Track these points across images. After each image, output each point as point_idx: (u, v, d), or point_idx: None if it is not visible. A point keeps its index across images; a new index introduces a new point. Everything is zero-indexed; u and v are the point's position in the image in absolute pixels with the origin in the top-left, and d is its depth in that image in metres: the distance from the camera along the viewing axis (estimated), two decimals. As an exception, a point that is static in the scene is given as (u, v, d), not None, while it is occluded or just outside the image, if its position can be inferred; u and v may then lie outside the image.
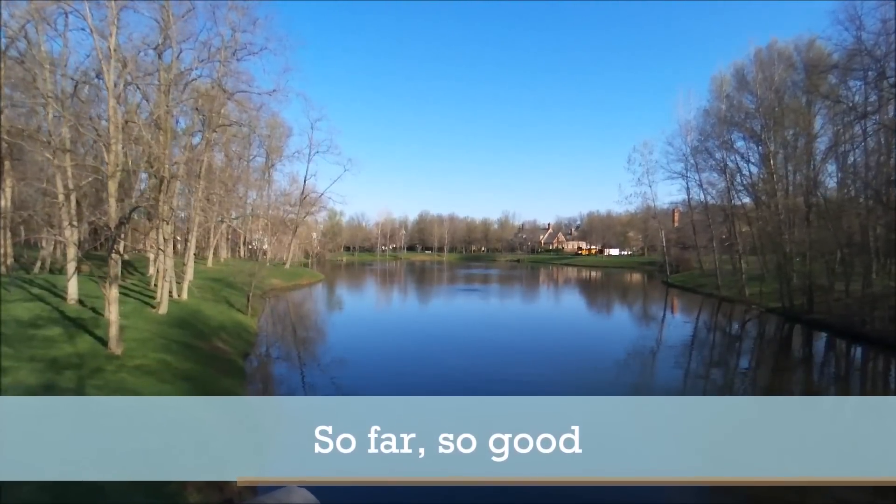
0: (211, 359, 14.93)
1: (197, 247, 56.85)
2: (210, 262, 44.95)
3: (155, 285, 21.65)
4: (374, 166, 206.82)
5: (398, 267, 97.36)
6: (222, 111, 24.29)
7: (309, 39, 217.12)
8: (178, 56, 18.40)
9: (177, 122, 27.82)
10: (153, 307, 19.35)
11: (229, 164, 45.50)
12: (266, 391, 14.19)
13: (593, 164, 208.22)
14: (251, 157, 51.52)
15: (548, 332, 25.26)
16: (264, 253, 61.39)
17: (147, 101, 21.84)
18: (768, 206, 30.51)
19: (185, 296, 23.33)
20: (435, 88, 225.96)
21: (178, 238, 38.11)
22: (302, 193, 55.30)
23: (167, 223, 19.01)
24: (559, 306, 38.74)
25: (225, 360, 15.37)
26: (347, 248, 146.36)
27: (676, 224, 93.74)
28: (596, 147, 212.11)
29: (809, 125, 27.43)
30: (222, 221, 46.55)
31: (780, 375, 17.37)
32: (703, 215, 47.62)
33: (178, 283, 24.28)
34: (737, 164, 36.58)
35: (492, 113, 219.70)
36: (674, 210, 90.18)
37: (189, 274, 25.04)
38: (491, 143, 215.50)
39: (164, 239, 19.08)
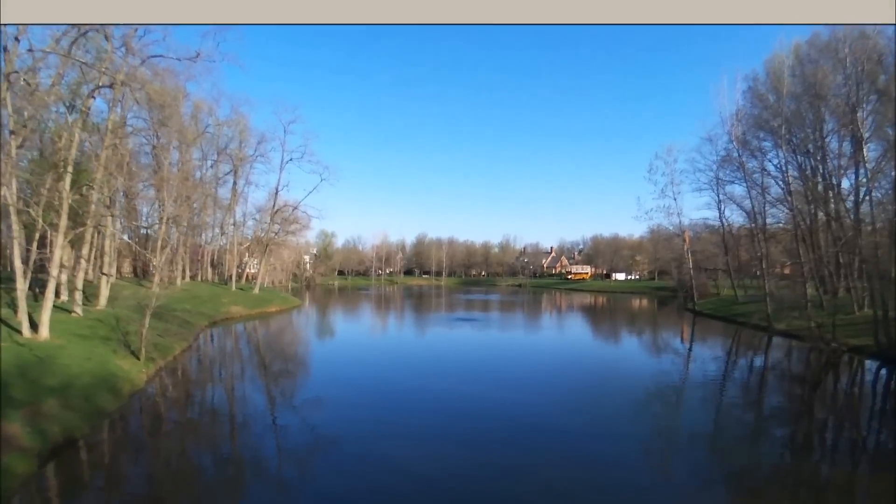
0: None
1: (151, 266, 49.77)
2: (156, 286, 37.50)
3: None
4: (371, 188, 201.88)
5: (393, 292, 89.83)
6: (116, 71, 17.43)
7: (304, 62, 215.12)
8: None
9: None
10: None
11: (183, 167, 38.78)
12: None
13: (597, 186, 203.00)
14: (210, 164, 44.77)
15: (571, 388, 17.63)
16: (248, 276, 54.16)
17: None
18: (856, 213, 23.39)
19: (45, 333, 16.00)
20: (434, 109, 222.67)
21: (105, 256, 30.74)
22: (273, 206, 48.20)
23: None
24: (577, 344, 31.04)
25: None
26: (341, 272, 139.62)
27: (688, 246, 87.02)
28: (600, 169, 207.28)
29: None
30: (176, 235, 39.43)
31: None
32: (743, 232, 40.34)
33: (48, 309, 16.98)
34: (802, 165, 29.44)
35: (493, 134, 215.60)
36: (684, 231, 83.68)
37: (50, 302, 17.55)
38: (492, 166, 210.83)
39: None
